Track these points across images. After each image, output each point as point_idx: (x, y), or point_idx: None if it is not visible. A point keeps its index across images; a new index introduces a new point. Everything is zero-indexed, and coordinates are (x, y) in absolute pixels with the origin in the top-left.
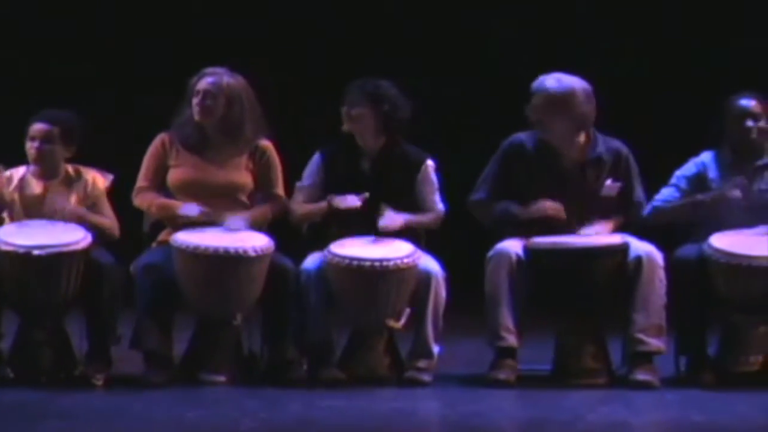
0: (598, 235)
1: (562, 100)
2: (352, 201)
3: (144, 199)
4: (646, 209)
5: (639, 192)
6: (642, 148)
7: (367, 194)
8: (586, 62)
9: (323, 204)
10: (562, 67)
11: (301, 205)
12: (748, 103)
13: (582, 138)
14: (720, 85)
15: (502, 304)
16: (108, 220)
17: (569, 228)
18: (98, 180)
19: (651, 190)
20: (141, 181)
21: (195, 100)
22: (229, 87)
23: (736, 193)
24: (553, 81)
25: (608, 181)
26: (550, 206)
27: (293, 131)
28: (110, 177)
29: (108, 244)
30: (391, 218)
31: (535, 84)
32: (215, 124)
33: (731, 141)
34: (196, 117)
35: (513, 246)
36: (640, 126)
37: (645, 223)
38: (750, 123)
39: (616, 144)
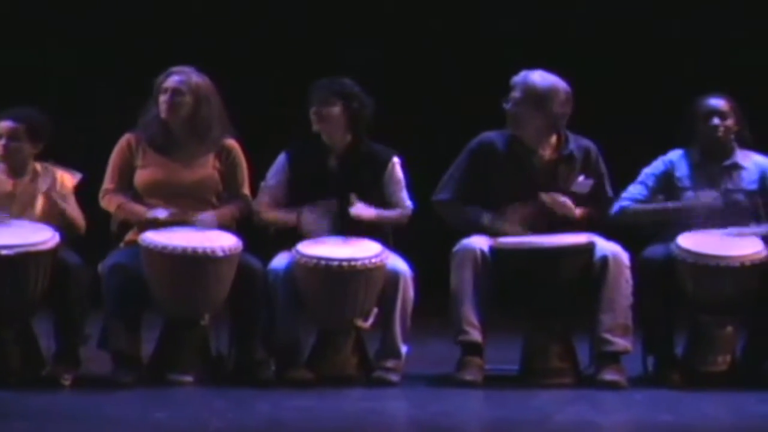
0: (567, 206)
1: (544, 96)
2: (322, 227)
3: (111, 202)
4: (614, 208)
5: (609, 190)
6: (610, 146)
7: (336, 201)
8: (557, 60)
9: (292, 216)
10: (532, 65)
11: (267, 208)
12: (717, 102)
13: (554, 138)
14: (690, 84)
15: (466, 299)
16: (78, 215)
17: (541, 228)
18: (66, 178)
19: (618, 189)
20: (107, 182)
21: (162, 98)
22: (196, 86)
23: (706, 207)
24: (537, 76)
25: (580, 178)
26: (515, 227)
27: (257, 130)
28: (78, 176)
29: (75, 245)
30: (363, 208)
31: (518, 77)
32: (182, 123)
33: (699, 140)
34: (163, 114)
35: (478, 242)
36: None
37: (611, 222)
38: (716, 121)
39: (586, 142)
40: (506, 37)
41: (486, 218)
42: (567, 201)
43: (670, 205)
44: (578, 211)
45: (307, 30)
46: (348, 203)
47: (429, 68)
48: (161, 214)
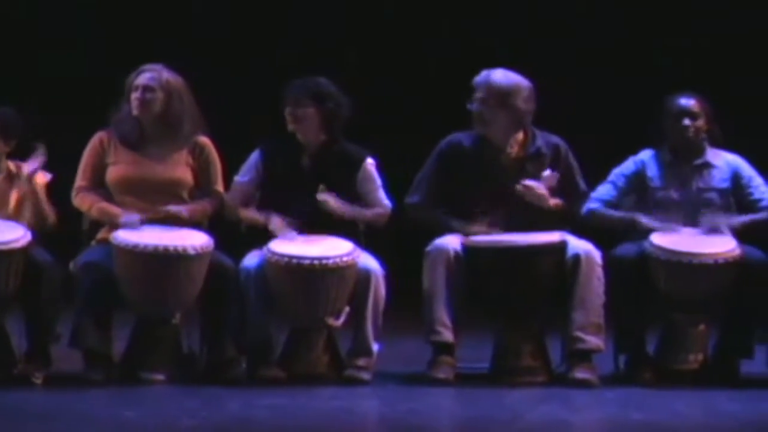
0: (542, 195)
1: (507, 93)
2: (291, 237)
3: (84, 201)
4: (583, 208)
5: (582, 183)
6: (581, 145)
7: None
8: (523, 61)
9: (261, 218)
10: (498, 65)
11: (237, 203)
12: (687, 102)
13: (520, 135)
14: (660, 83)
15: (439, 299)
16: (51, 211)
17: (512, 225)
18: (38, 177)
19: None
20: (79, 180)
21: (134, 95)
22: (168, 83)
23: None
24: (500, 75)
25: (546, 172)
26: (486, 230)
27: (230, 127)
28: (49, 176)
29: (47, 243)
30: (334, 198)
31: (480, 77)
32: (154, 120)
33: (670, 140)
34: (135, 111)
35: (451, 242)
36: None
37: (580, 220)
38: (687, 122)
39: (555, 139)
40: (479, 38)
41: (456, 225)
42: (542, 189)
43: (643, 220)
44: (552, 202)
45: (287, 28)
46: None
47: (405, 68)
48: (134, 221)
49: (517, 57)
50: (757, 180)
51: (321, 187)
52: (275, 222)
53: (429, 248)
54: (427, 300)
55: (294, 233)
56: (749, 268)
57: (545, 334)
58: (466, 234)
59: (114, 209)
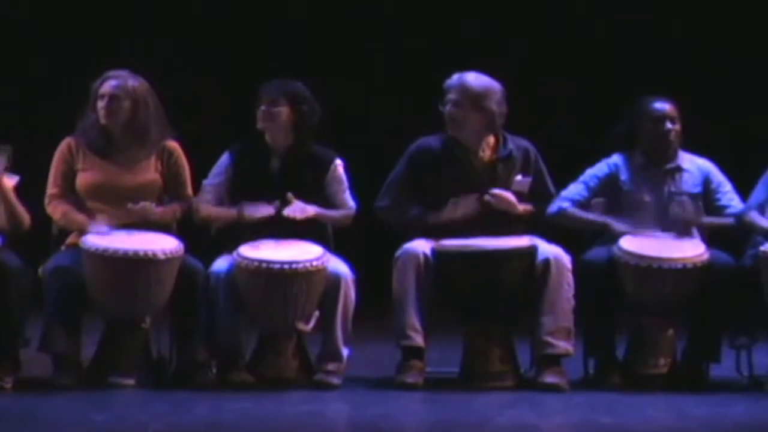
0: (510, 201)
1: (479, 96)
2: (265, 210)
3: (56, 210)
4: (552, 208)
5: (551, 186)
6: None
7: (278, 202)
8: (491, 62)
9: (233, 212)
10: (470, 68)
11: (208, 206)
12: (664, 106)
13: (491, 138)
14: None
15: (409, 304)
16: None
17: (482, 230)
18: (4, 181)
19: (559, 188)
20: (51, 187)
21: (100, 104)
22: (133, 89)
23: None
24: (472, 77)
25: (518, 177)
26: (461, 206)
27: (199, 131)
28: (16, 178)
29: (16, 247)
30: (299, 207)
31: (453, 80)
32: (121, 127)
33: (645, 143)
34: (102, 120)
35: (421, 246)
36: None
37: (548, 220)
38: (669, 126)
39: (524, 143)
40: (449, 40)
41: (428, 216)
42: (510, 196)
43: (615, 225)
44: (521, 208)
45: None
46: (287, 203)
47: (374, 70)
48: (101, 229)
49: (486, 59)
50: (726, 186)
51: (289, 196)
52: (249, 208)
53: (399, 253)
54: (398, 305)
55: (270, 208)
56: (717, 273)
57: (514, 339)
58: (438, 222)
59: (81, 218)
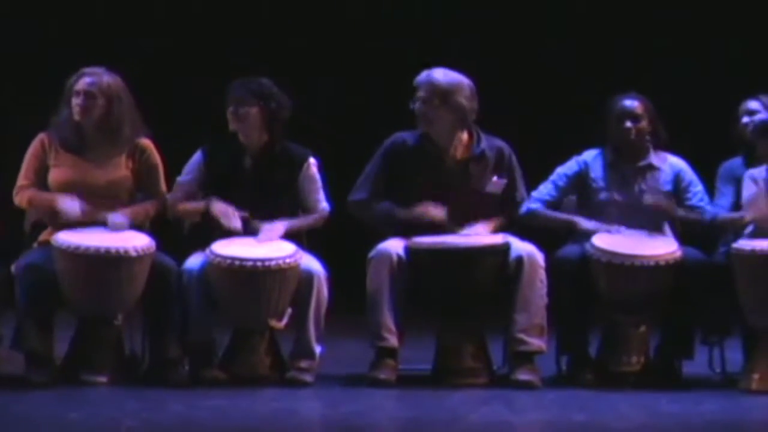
0: (479, 235)
1: (449, 92)
2: (234, 222)
3: (23, 197)
4: (522, 208)
5: (522, 191)
6: (525, 147)
7: (246, 213)
8: (467, 60)
9: (201, 204)
10: (445, 65)
11: (179, 202)
12: (631, 103)
13: (465, 136)
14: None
15: (384, 304)
16: None
17: (452, 227)
18: None
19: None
20: (21, 179)
21: (75, 101)
22: (108, 87)
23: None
24: (440, 74)
25: (494, 178)
26: (432, 209)
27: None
28: None
29: None
30: (269, 230)
31: (421, 77)
32: (94, 123)
33: (612, 141)
34: (76, 117)
35: (394, 246)
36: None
37: (518, 221)
38: (629, 124)
39: (499, 142)
40: (424, 37)
41: (397, 209)
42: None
43: (583, 224)
44: (490, 226)
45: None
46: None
47: (349, 68)
48: (74, 208)
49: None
50: (697, 186)
51: (256, 224)
52: (218, 206)
53: (372, 254)
54: (372, 305)
55: (237, 218)
56: (689, 270)
57: (487, 336)
58: (409, 218)
59: (52, 196)
